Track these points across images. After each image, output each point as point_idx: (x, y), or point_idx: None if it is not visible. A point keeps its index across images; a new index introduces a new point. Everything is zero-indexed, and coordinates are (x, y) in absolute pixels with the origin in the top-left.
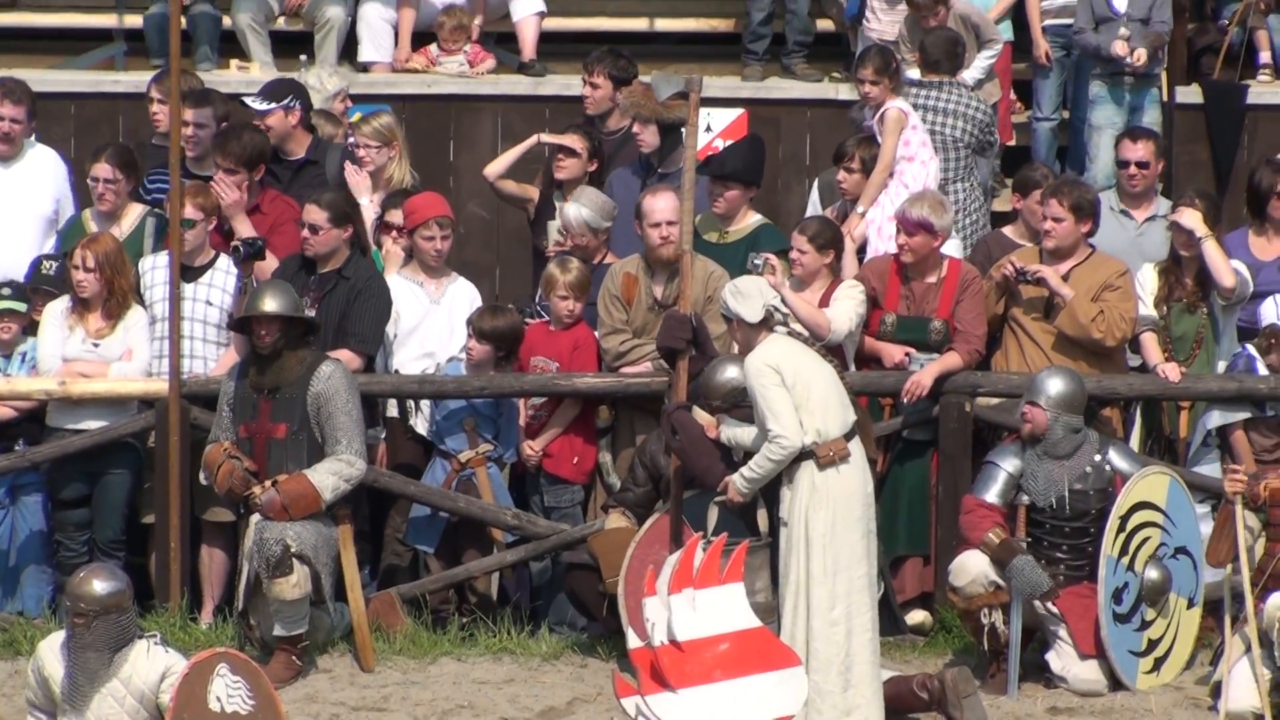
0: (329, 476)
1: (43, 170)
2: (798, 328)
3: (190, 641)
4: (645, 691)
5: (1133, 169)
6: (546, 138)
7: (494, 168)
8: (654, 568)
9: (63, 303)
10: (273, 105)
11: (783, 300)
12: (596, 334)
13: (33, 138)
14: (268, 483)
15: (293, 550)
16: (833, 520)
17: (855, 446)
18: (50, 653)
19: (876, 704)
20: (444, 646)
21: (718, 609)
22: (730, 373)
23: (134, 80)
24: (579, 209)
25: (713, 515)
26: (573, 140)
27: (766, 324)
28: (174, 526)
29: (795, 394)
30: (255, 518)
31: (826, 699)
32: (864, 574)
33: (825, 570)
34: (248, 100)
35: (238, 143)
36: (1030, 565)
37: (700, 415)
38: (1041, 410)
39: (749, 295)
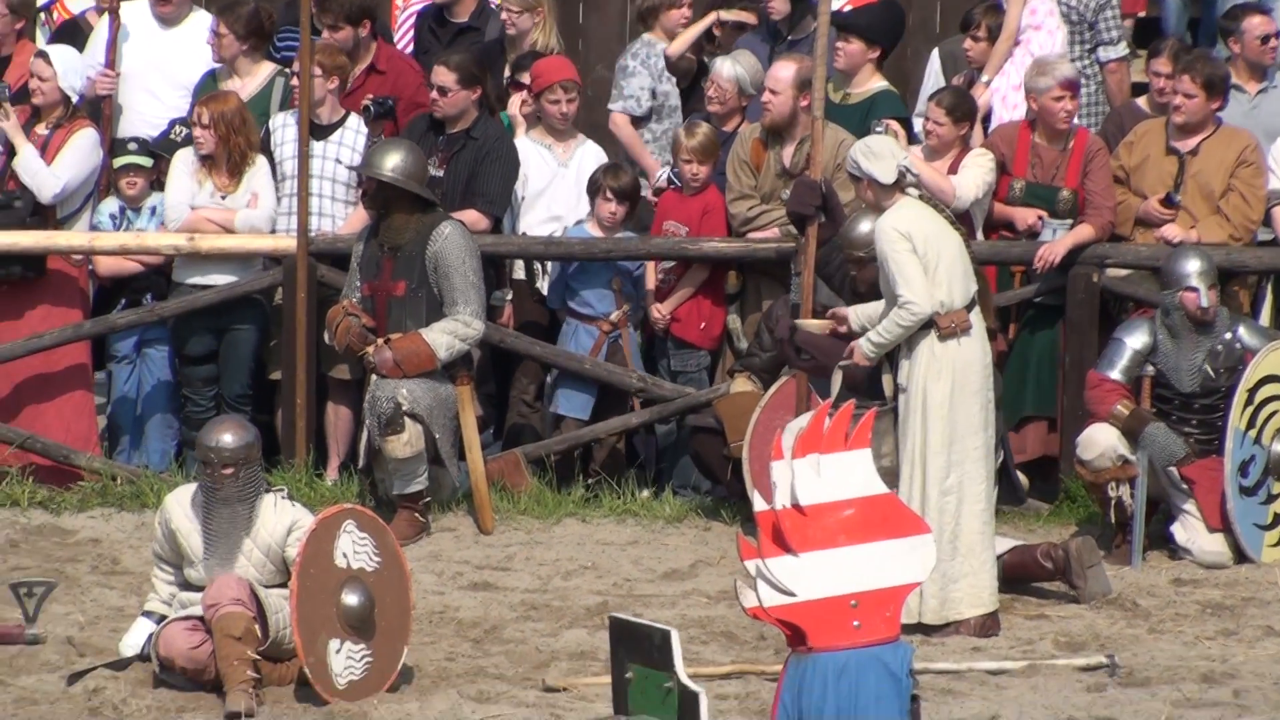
0: (444, 335)
1: (200, 37)
2: (927, 180)
3: (315, 498)
4: (765, 555)
5: (1273, 41)
6: (725, 15)
7: (675, 47)
8: (779, 432)
9: (191, 152)
10: None
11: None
12: (725, 199)
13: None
14: (381, 340)
15: (404, 408)
16: (951, 390)
17: (975, 318)
18: (178, 506)
19: (985, 573)
20: (568, 508)
21: (843, 474)
22: (869, 224)
23: None
24: (734, 66)
25: (837, 379)
26: (748, 16)
27: (899, 185)
28: (300, 383)
29: (924, 262)
30: (373, 375)
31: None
32: (980, 444)
33: (943, 439)
34: None
35: None
36: (1164, 432)
37: (809, 324)
38: (1204, 292)
39: (881, 155)
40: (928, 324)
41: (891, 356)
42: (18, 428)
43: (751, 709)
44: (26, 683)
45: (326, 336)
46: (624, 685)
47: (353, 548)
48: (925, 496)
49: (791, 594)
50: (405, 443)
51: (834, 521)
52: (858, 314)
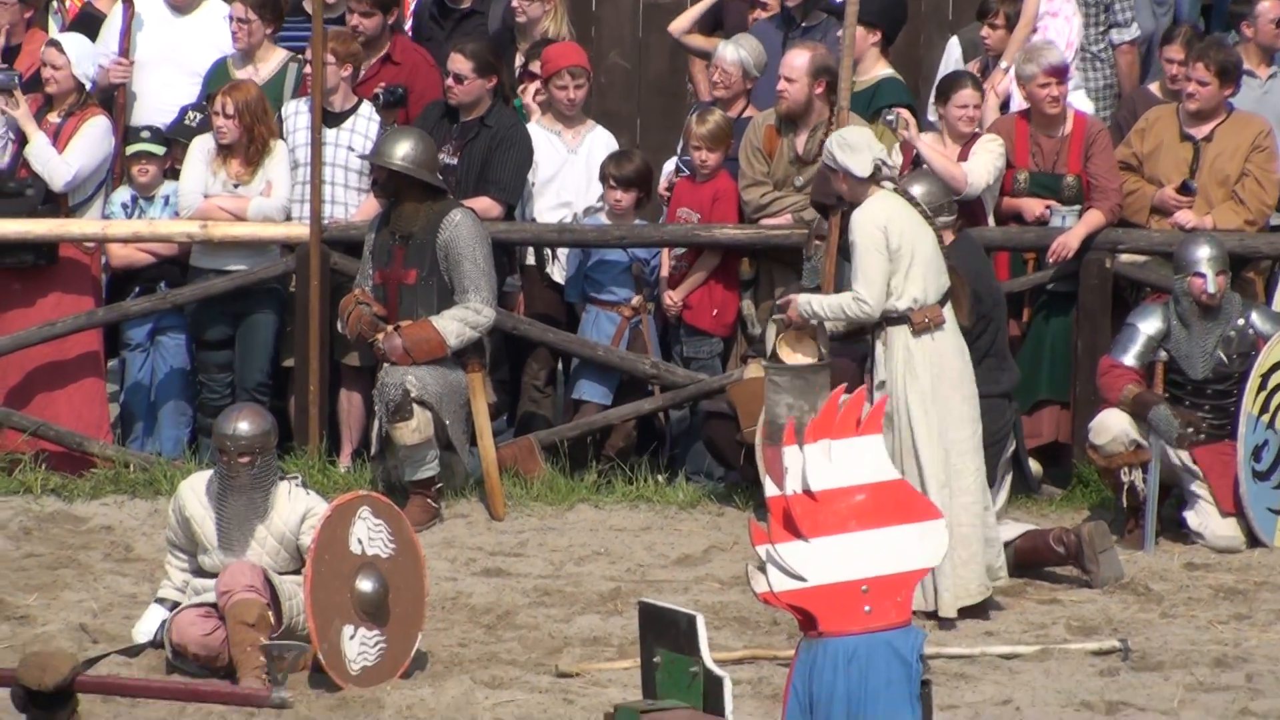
0: (453, 322)
1: (213, 25)
2: (938, 167)
3: (329, 485)
4: (776, 540)
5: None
6: None
7: (679, 24)
8: (791, 417)
9: (208, 140)
10: None
11: (917, 153)
12: (738, 186)
13: None
14: (390, 328)
15: (413, 395)
16: (931, 383)
17: (948, 313)
18: (192, 493)
19: (975, 567)
20: (581, 493)
21: (855, 460)
22: (920, 186)
23: None
24: (737, 50)
25: (771, 332)
26: None
27: (874, 178)
28: (313, 370)
29: (899, 258)
30: (383, 362)
31: None
32: (968, 436)
33: (928, 432)
34: None
35: None
36: (1169, 413)
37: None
38: (1211, 278)
39: (858, 148)
40: (901, 320)
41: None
42: (30, 415)
43: (764, 694)
44: None
45: (339, 324)
46: (652, 670)
47: (367, 534)
48: (925, 490)
49: (802, 579)
50: (413, 429)
51: (845, 507)
52: (808, 301)
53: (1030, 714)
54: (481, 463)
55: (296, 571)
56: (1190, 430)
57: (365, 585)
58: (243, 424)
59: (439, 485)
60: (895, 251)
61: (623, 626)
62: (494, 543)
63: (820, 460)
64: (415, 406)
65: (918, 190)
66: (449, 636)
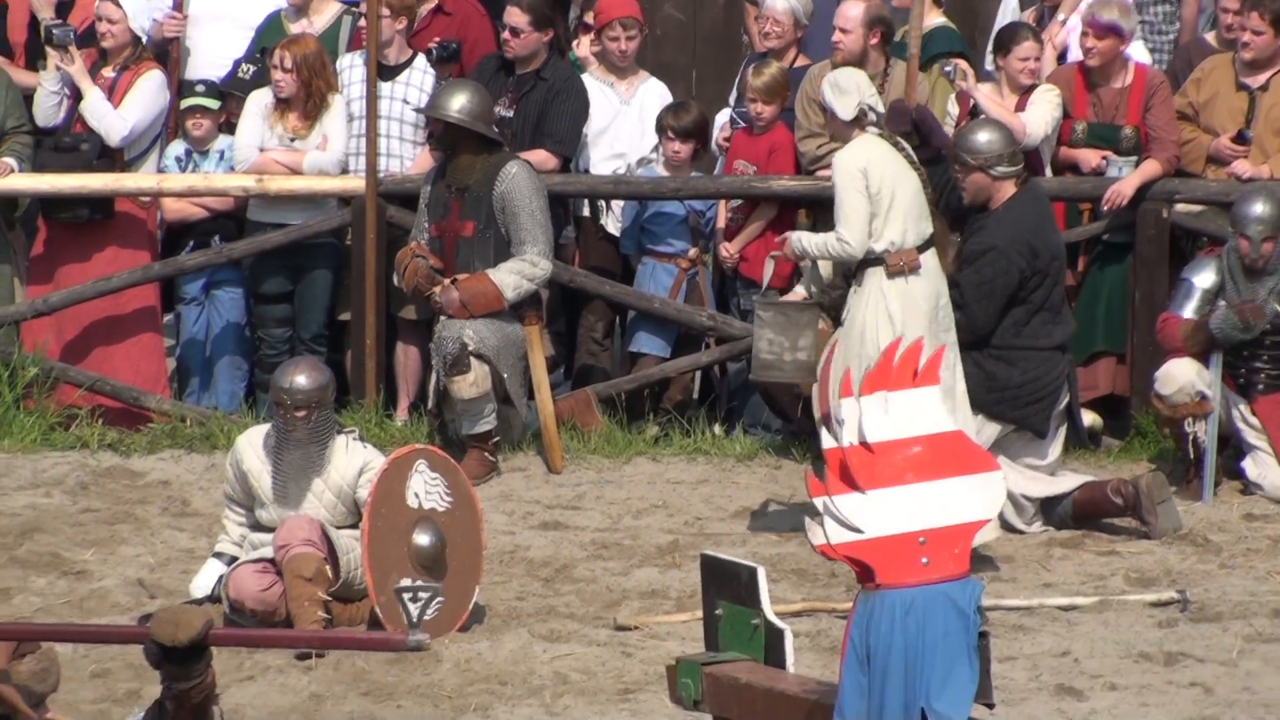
0: (510, 275)
1: None
2: (996, 118)
3: (385, 438)
4: (833, 492)
5: None
6: None
7: None
8: (848, 369)
9: (265, 94)
10: None
11: (974, 103)
12: (794, 137)
13: None
14: (447, 280)
15: (470, 349)
16: (903, 325)
17: (929, 259)
18: (249, 447)
19: None
20: (639, 446)
21: (911, 412)
22: (986, 134)
23: None
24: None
25: (768, 268)
26: None
27: (858, 123)
28: (370, 324)
29: (878, 201)
30: (440, 316)
31: None
32: None
33: None
34: None
35: None
36: (1228, 311)
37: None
38: (1256, 244)
39: (846, 91)
40: (877, 261)
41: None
42: (87, 370)
43: (822, 646)
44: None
45: (395, 278)
46: (714, 622)
47: (424, 488)
48: None
49: (859, 531)
50: (471, 383)
51: (902, 459)
52: (799, 238)
53: (1088, 665)
54: (539, 416)
55: (353, 526)
56: (1253, 321)
57: (422, 539)
58: (300, 378)
59: (496, 439)
60: (875, 195)
61: (680, 579)
62: (551, 496)
63: (877, 412)
64: (473, 360)
65: (982, 139)
66: (507, 590)
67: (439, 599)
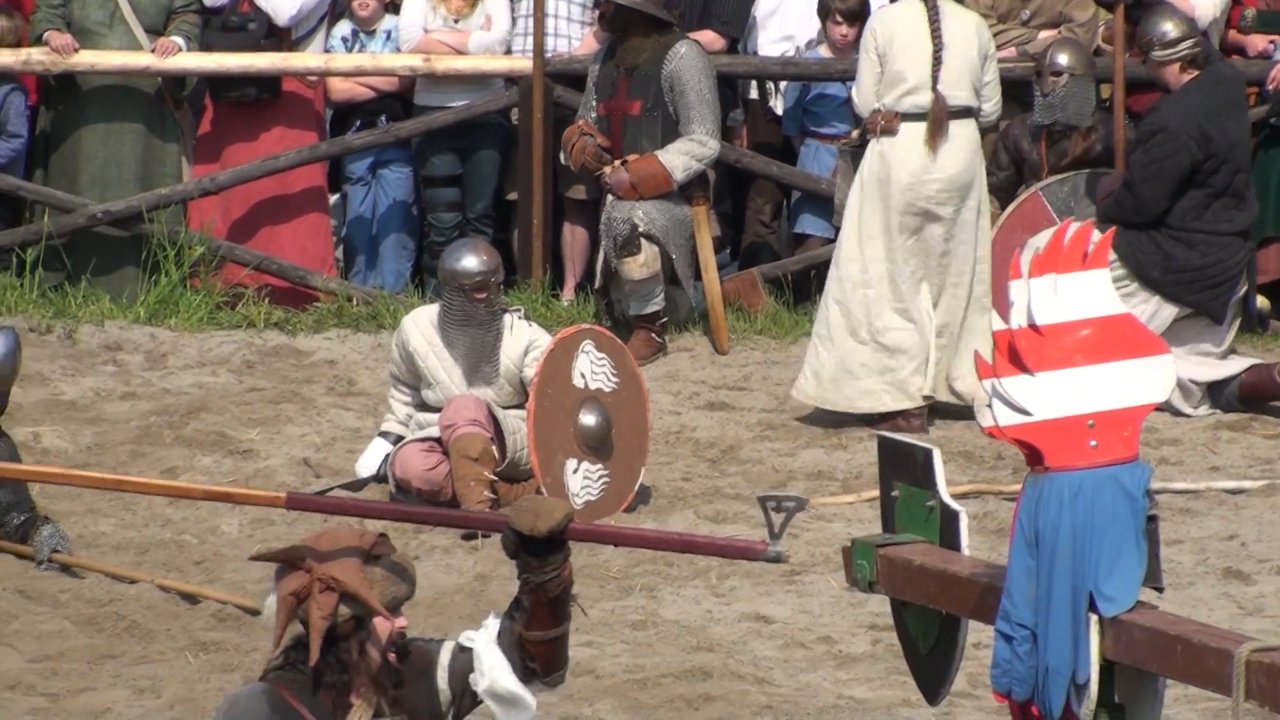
0: (680, 156)
1: None
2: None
3: (552, 318)
4: (1001, 374)
5: None
6: None
7: None
8: (1017, 251)
9: None
10: None
11: None
12: None
13: None
14: (617, 162)
15: (640, 230)
16: (875, 184)
17: (912, 130)
18: (415, 328)
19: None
20: (804, 327)
21: (1081, 294)
22: (1157, 18)
23: None
24: None
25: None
26: None
27: None
28: (537, 204)
29: (884, 59)
30: (609, 196)
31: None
32: (883, 255)
33: (855, 229)
34: None
35: None
36: None
37: None
38: None
39: None
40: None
41: None
42: (255, 249)
43: (989, 529)
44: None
45: (562, 157)
46: (890, 503)
47: (590, 368)
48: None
49: (1027, 413)
50: (641, 264)
51: (1071, 341)
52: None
53: (1256, 549)
54: (706, 297)
55: (519, 405)
56: None
57: (588, 419)
58: (475, 259)
59: (664, 320)
60: (881, 55)
61: (847, 461)
62: (718, 377)
63: (1046, 294)
64: (643, 241)
65: (1155, 22)
66: (673, 471)
67: (801, 510)
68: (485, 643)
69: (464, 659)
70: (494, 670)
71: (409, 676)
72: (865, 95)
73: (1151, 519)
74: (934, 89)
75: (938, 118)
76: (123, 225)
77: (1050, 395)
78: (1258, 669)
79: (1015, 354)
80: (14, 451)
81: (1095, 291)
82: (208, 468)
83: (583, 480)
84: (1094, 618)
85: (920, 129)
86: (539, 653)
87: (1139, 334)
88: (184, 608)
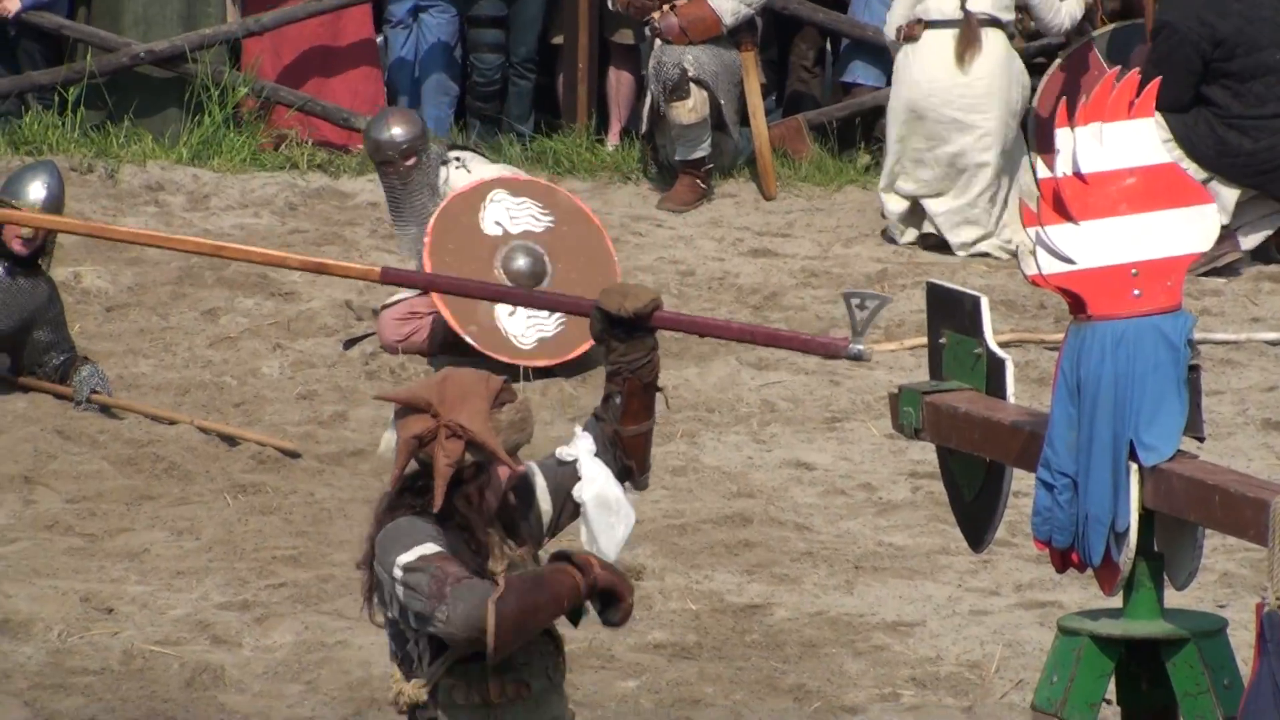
0: (729, 1)
1: None
2: None
3: (596, 163)
4: (1045, 222)
5: None
6: None
7: None
8: (1066, 99)
9: None
10: None
11: None
12: None
13: None
14: (666, 6)
15: (690, 74)
16: (904, 90)
17: (937, 37)
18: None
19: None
20: (849, 175)
21: (1126, 143)
22: None
23: None
24: None
25: None
26: None
27: None
28: (582, 47)
29: None
30: (657, 41)
31: None
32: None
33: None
34: None
35: None
36: None
37: None
38: None
39: None
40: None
41: None
42: (303, 93)
43: (1030, 377)
44: (304, 346)
45: (609, 0)
46: (938, 350)
47: (507, 214)
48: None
49: (1071, 262)
50: (690, 109)
51: (1115, 190)
52: None
53: None
54: (754, 141)
55: None
56: None
57: (518, 262)
58: (397, 128)
59: (709, 165)
60: None
61: (890, 308)
62: (761, 223)
63: (1091, 143)
64: (692, 86)
65: None
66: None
67: (885, 307)
68: (587, 452)
69: (562, 473)
70: (602, 479)
71: (521, 511)
72: (893, 21)
73: (1193, 368)
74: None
75: (969, 38)
76: (166, 65)
77: (1094, 244)
78: None
79: (1060, 202)
80: (54, 291)
81: (1140, 140)
82: (249, 309)
83: (526, 321)
84: (1134, 466)
85: (945, 35)
86: (633, 447)
87: (1183, 183)
88: (223, 449)
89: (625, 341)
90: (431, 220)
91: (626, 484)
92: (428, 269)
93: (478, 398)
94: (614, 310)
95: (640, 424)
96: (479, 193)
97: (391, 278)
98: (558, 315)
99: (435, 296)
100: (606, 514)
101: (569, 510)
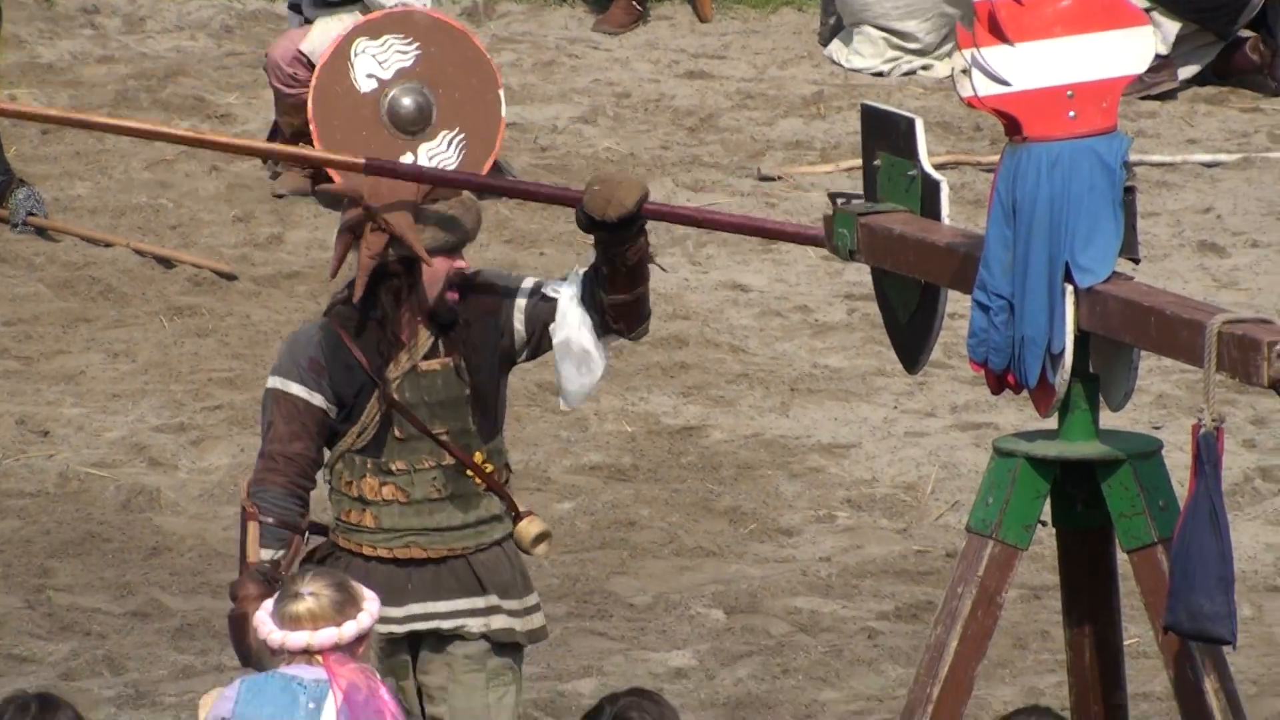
0: None
1: None
2: None
3: None
4: (981, 44)
5: None
6: None
7: None
8: None
9: None
10: None
11: None
12: None
13: None
14: None
15: None
16: None
17: None
18: None
19: None
20: None
21: None
22: None
23: None
24: None
25: None
26: None
27: None
28: None
29: None
30: None
31: None
32: None
33: None
34: None
35: None
36: None
37: None
38: None
39: None
40: None
41: None
42: None
43: (965, 199)
44: (239, 169)
45: None
46: (873, 172)
47: (376, 61)
48: None
49: (1006, 84)
50: None
51: (1051, 11)
52: None
53: (1231, 222)
54: None
55: None
56: None
57: (404, 104)
58: None
59: None
60: None
61: (825, 130)
62: (697, 45)
63: None
64: None
65: None
66: (651, 139)
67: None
68: (570, 297)
69: (545, 306)
70: (574, 326)
71: (473, 315)
72: None
73: (1129, 190)
74: None
75: None
76: None
77: (1029, 65)
78: (1229, 340)
79: (995, 24)
80: None
81: None
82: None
83: (430, 159)
84: (1070, 288)
85: None
86: (620, 313)
87: (1119, 5)
88: (159, 271)
89: (612, 234)
90: (310, 106)
91: (615, 336)
92: (318, 143)
93: (409, 191)
94: (598, 216)
95: (626, 293)
96: (341, 54)
97: (374, 169)
98: (455, 141)
99: (313, 123)
100: (571, 361)
101: (548, 342)
